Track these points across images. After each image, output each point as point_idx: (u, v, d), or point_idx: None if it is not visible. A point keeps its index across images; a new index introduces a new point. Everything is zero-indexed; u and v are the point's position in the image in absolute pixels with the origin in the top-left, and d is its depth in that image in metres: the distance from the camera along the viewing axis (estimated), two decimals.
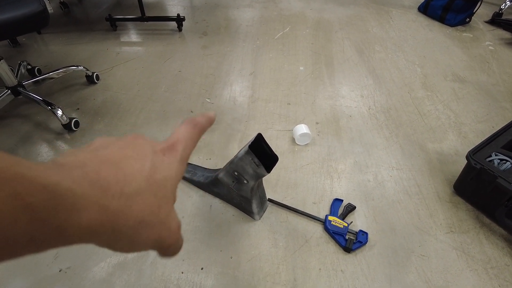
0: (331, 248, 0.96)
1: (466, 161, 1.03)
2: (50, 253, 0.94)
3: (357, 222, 1.03)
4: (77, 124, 1.35)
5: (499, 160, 1.01)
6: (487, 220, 1.04)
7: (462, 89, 1.64)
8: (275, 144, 1.30)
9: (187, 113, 1.45)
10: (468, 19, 2.27)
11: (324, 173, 1.18)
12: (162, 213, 0.21)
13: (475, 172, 1.00)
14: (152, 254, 0.93)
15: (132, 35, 2.13)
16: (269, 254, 0.94)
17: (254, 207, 0.98)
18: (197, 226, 1.01)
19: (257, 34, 2.13)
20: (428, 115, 1.47)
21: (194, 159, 1.22)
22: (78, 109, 1.48)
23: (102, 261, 0.92)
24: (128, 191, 0.19)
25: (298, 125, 1.29)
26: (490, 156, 1.02)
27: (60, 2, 2.38)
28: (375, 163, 1.23)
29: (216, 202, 1.08)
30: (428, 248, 0.96)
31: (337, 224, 0.98)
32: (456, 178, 1.12)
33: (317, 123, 1.41)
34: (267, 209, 1.05)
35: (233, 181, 0.93)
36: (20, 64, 1.60)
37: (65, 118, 1.30)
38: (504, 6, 2.31)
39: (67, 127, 1.33)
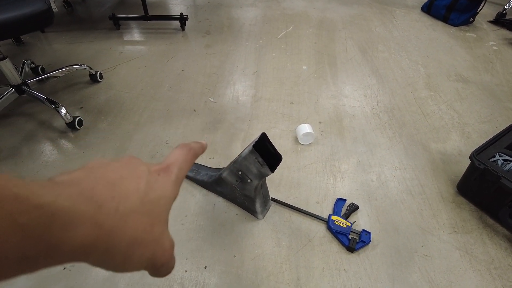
0: (334, 247, 0.96)
1: (470, 161, 1.03)
2: None
3: (360, 221, 1.03)
4: (80, 122, 1.36)
5: (502, 161, 1.01)
6: (490, 221, 1.04)
7: (466, 89, 1.64)
8: (278, 143, 1.30)
9: (190, 112, 1.46)
10: (471, 19, 2.26)
11: (327, 172, 1.18)
12: (156, 232, 0.22)
13: (478, 172, 0.99)
14: None
15: (135, 34, 2.13)
16: (272, 253, 0.94)
17: (258, 206, 0.99)
18: (201, 225, 1.01)
19: (260, 33, 2.13)
20: (431, 115, 1.47)
21: (198, 158, 1.22)
22: (82, 107, 1.48)
23: None
24: (122, 208, 0.20)
25: (301, 125, 1.29)
26: (494, 156, 1.02)
27: (64, 1, 2.39)
28: (378, 163, 1.23)
29: (220, 201, 1.08)
30: (431, 248, 0.96)
31: (340, 224, 0.98)
32: (459, 178, 1.12)
33: (320, 122, 1.41)
34: (270, 208, 1.06)
35: (236, 180, 0.93)
36: (24, 63, 1.61)
37: (69, 116, 1.31)
38: (508, 6, 2.30)
39: (70, 125, 1.33)
